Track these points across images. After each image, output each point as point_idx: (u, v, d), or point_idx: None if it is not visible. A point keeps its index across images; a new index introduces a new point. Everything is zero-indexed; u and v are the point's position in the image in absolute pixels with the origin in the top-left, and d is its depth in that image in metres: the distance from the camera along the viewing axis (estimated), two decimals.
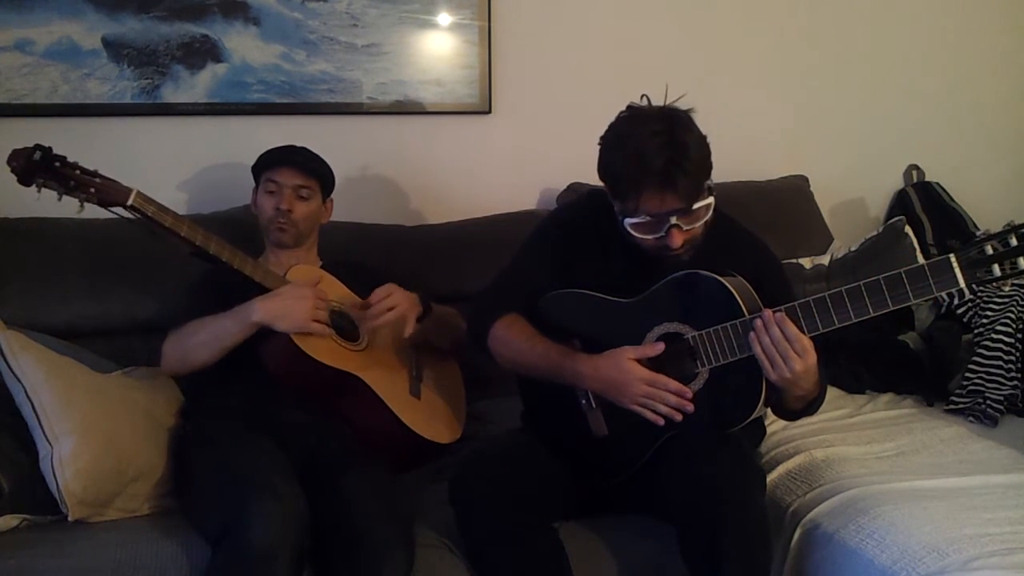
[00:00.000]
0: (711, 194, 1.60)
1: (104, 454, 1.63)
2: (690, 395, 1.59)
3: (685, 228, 1.59)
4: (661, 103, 1.63)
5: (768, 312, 1.52)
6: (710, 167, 1.60)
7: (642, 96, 1.64)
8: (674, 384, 1.59)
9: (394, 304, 1.87)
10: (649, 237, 1.61)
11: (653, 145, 1.54)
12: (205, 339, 1.79)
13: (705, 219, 1.61)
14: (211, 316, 1.79)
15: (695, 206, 1.57)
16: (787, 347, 1.50)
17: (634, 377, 1.58)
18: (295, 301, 1.75)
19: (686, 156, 1.54)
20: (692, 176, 1.55)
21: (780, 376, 1.52)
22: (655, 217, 1.58)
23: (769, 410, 2.04)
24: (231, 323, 1.77)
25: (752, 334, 1.52)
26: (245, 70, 2.36)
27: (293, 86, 2.39)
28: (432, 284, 2.22)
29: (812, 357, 1.52)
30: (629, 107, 1.63)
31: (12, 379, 1.66)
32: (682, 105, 1.62)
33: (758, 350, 1.52)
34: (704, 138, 1.60)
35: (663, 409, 1.59)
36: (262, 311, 1.74)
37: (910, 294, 1.44)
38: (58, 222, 2.04)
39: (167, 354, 1.83)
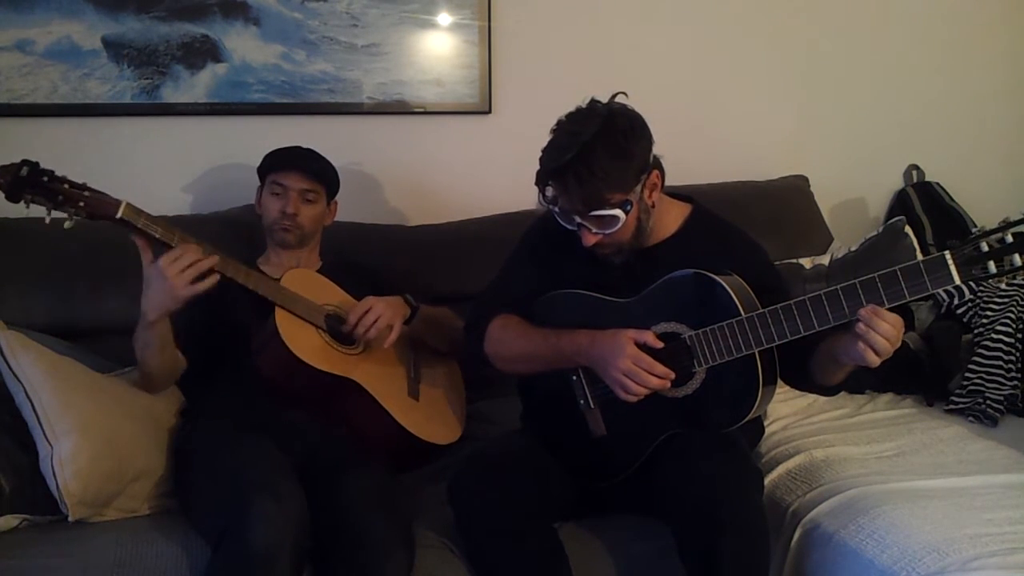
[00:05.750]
0: (624, 208, 1.59)
1: (104, 454, 1.63)
2: (672, 376, 1.59)
3: (594, 231, 1.61)
4: (642, 105, 1.64)
5: (864, 312, 1.44)
6: (625, 181, 1.58)
7: (616, 94, 1.63)
8: (660, 368, 1.57)
9: (376, 316, 1.86)
10: (569, 228, 1.65)
11: (563, 143, 1.57)
12: (140, 352, 1.79)
13: (613, 230, 1.61)
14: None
15: (594, 213, 1.59)
16: (896, 333, 1.45)
17: (625, 352, 1.58)
18: (158, 283, 1.69)
19: (585, 164, 1.55)
20: (586, 184, 1.56)
21: (888, 355, 1.46)
22: (562, 211, 1.63)
23: (769, 409, 2.04)
24: (140, 330, 1.76)
25: (861, 344, 1.44)
26: (245, 70, 2.36)
27: (293, 86, 2.39)
28: (432, 284, 2.23)
29: (903, 324, 1.47)
30: (591, 101, 1.64)
31: (12, 379, 1.66)
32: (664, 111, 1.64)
33: (872, 356, 1.44)
34: (628, 152, 1.57)
35: (634, 388, 1.57)
36: (149, 311, 1.72)
37: (905, 291, 1.43)
38: (58, 222, 2.04)
39: (139, 374, 1.84)
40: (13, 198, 1.63)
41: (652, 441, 1.66)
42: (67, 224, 1.68)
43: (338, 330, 1.87)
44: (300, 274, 1.93)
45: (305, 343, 1.78)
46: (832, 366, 1.59)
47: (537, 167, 1.61)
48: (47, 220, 1.67)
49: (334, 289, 1.97)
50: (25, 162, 1.63)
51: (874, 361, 1.46)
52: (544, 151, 1.61)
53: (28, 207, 1.65)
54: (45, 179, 1.64)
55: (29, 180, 1.63)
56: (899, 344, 1.47)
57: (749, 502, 1.57)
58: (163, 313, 1.72)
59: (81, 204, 1.66)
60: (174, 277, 1.68)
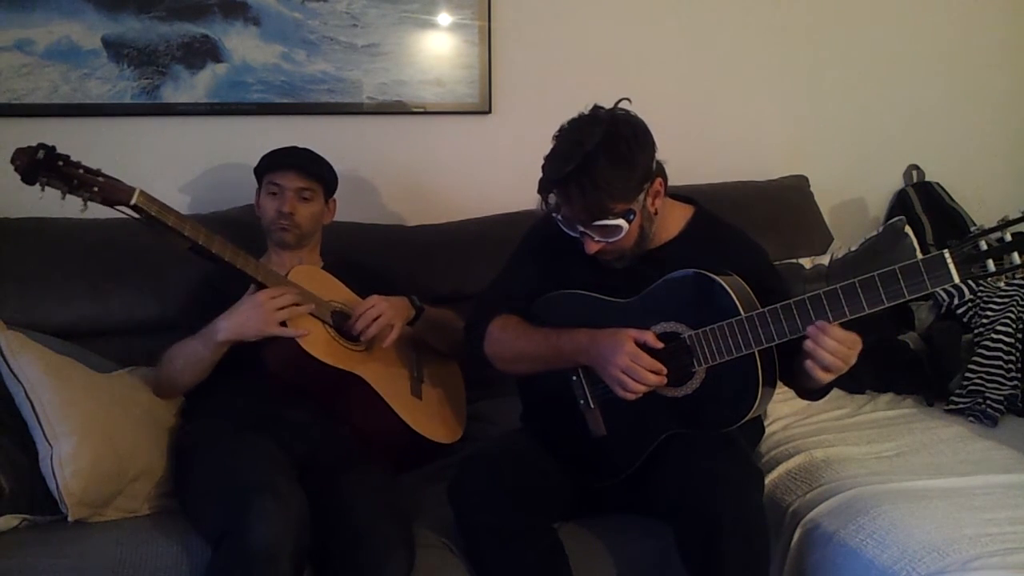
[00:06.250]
0: (627, 218, 1.59)
1: (104, 454, 1.63)
2: (665, 372, 1.59)
3: (597, 239, 1.61)
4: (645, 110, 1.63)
5: (812, 329, 1.48)
6: (627, 191, 1.58)
7: (619, 101, 1.62)
8: (658, 365, 1.58)
9: (379, 314, 1.87)
10: (572, 234, 1.64)
11: (565, 153, 1.56)
12: (183, 365, 1.82)
13: (616, 239, 1.61)
14: (184, 340, 1.82)
15: (598, 223, 1.59)
16: (846, 351, 1.48)
17: (624, 350, 1.58)
18: (251, 310, 1.76)
19: (587, 174, 1.54)
20: (589, 195, 1.55)
21: (839, 372, 1.50)
22: (565, 219, 1.63)
23: (769, 409, 2.04)
24: (201, 346, 1.80)
25: (808, 362, 1.49)
26: (245, 70, 2.36)
27: (293, 86, 2.39)
28: (432, 284, 2.23)
29: (859, 343, 1.50)
30: (594, 108, 1.62)
31: (12, 379, 1.66)
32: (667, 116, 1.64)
33: (818, 373, 1.49)
34: (631, 161, 1.57)
35: (632, 385, 1.57)
36: (224, 330, 1.77)
37: (904, 290, 1.43)
38: (58, 222, 2.04)
39: (160, 382, 1.86)
40: (29, 180, 1.65)
41: (652, 441, 1.66)
42: (81, 209, 1.69)
43: (344, 327, 1.88)
44: (307, 270, 1.94)
45: (312, 338, 1.78)
46: (804, 374, 1.59)
47: (537, 167, 1.61)
48: (62, 200, 1.68)
49: (340, 286, 1.98)
50: (42, 145, 1.65)
51: (822, 377, 1.50)
52: (546, 160, 1.60)
53: (43, 190, 1.66)
54: (61, 163, 1.65)
55: (45, 163, 1.64)
56: (853, 361, 1.49)
57: (749, 502, 1.57)
58: (236, 338, 1.76)
59: (95, 189, 1.67)
60: (269, 312, 1.74)
